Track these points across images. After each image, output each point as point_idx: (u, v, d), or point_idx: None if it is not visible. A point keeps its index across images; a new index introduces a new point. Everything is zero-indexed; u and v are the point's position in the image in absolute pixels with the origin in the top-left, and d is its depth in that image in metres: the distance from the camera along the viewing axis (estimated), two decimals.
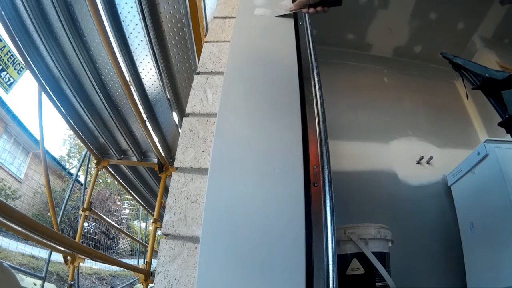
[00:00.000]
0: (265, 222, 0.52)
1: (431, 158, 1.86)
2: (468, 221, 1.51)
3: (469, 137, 2.05)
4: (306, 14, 1.01)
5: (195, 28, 1.70)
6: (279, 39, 0.87)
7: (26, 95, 10.93)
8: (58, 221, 2.80)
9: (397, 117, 2.06)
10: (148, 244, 3.36)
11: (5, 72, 5.73)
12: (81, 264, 2.79)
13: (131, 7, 1.63)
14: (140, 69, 2.02)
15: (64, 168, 8.91)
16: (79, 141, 2.90)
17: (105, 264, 4.60)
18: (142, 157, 2.93)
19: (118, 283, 6.23)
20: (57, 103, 2.24)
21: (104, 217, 3.70)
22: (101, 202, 8.60)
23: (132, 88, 2.07)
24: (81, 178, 5.53)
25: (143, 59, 1.93)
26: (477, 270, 1.42)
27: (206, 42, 0.95)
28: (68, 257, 2.57)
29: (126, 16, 1.69)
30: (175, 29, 1.74)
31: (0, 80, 5.69)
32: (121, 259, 4.00)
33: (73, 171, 7.18)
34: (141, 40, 1.80)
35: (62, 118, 2.35)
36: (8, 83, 5.86)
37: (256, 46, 0.86)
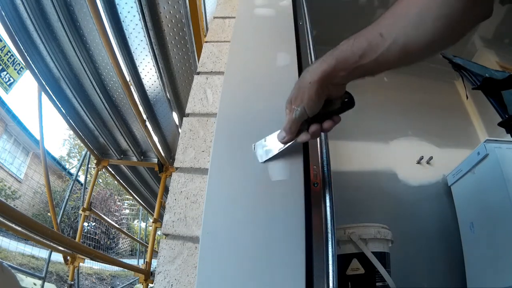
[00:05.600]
0: (265, 222, 0.52)
1: (431, 158, 1.86)
2: (468, 221, 1.51)
3: (469, 137, 2.05)
4: (306, 14, 0.99)
5: (195, 28, 1.70)
6: (279, 39, 0.87)
7: (26, 95, 10.91)
8: (58, 221, 2.80)
9: (397, 117, 2.06)
10: (148, 244, 3.36)
11: (5, 72, 5.73)
12: (81, 264, 2.79)
13: (131, 7, 1.63)
14: (140, 69, 2.02)
15: (64, 168, 8.91)
16: (79, 141, 2.90)
17: (105, 264, 4.60)
18: (142, 157, 2.93)
19: (118, 283, 6.23)
20: (57, 103, 2.24)
21: (104, 217, 3.70)
22: (101, 202, 8.61)
23: (132, 88, 2.07)
24: (81, 178, 5.53)
25: (143, 59, 1.93)
26: (477, 270, 1.42)
27: (206, 42, 0.95)
28: (68, 257, 2.57)
29: (126, 16, 1.69)
30: (175, 29, 1.74)
31: (0, 80, 5.69)
32: (121, 259, 4.00)
33: (73, 171, 7.18)
34: (141, 40, 1.80)
35: (62, 118, 2.36)
36: (8, 83, 5.86)
37: (256, 46, 0.86)
